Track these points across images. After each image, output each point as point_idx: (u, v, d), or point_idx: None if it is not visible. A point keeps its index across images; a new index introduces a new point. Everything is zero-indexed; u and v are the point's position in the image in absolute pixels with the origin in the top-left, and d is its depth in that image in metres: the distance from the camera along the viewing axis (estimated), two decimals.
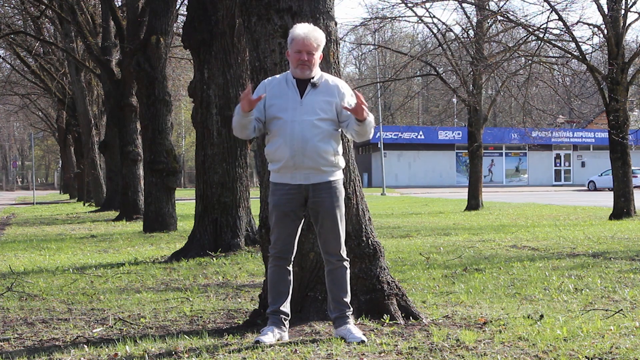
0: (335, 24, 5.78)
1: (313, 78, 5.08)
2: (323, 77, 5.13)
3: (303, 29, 5.03)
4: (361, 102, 4.92)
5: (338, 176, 5.16)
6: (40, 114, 47.70)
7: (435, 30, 22.29)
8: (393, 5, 21.39)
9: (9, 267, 10.00)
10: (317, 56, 5.07)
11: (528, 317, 5.67)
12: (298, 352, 4.71)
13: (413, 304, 5.79)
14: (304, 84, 5.08)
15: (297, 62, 5.02)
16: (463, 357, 4.56)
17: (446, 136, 52.75)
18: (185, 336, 5.25)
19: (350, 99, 5.10)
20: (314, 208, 5.09)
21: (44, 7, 26.84)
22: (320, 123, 5.02)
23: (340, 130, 5.17)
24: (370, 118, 5.03)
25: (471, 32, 22.42)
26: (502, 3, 21.50)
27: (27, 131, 64.27)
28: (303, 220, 5.21)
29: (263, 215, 5.66)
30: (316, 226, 5.16)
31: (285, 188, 5.09)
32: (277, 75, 5.23)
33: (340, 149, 5.17)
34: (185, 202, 29.51)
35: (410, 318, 5.60)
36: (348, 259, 5.22)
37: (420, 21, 22.83)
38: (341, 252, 5.14)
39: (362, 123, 4.99)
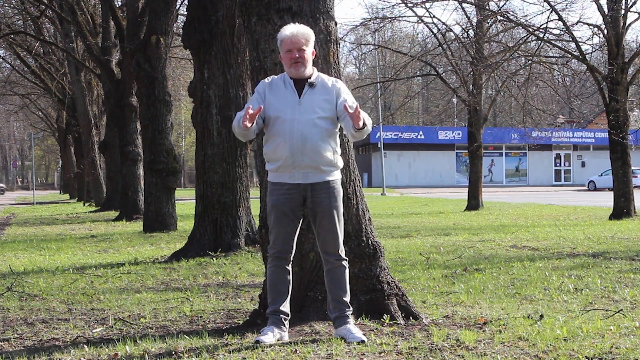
0: (335, 24, 5.78)
1: (310, 78, 5.09)
2: (320, 77, 5.14)
3: (289, 29, 5.08)
4: (358, 113, 4.89)
5: (336, 176, 5.17)
6: (40, 114, 47.72)
7: (435, 30, 22.31)
8: (393, 5, 21.44)
9: (9, 267, 10.00)
10: (309, 52, 5.07)
11: (528, 317, 5.67)
12: (298, 352, 4.71)
13: (413, 304, 5.79)
14: (301, 84, 5.08)
15: (290, 62, 5.04)
16: (463, 357, 4.56)
17: (446, 136, 52.76)
18: (185, 336, 5.25)
19: (347, 97, 5.09)
20: (312, 208, 5.10)
21: (44, 7, 26.84)
22: (320, 122, 5.02)
23: (339, 129, 5.18)
24: (369, 126, 5.03)
25: (471, 32, 22.43)
26: (502, 3, 21.52)
27: (27, 131, 64.30)
28: (302, 220, 5.21)
29: (263, 215, 5.65)
30: (315, 226, 5.16)
31: (284, 188, 5.09)
32: (275, 76, 5.23)
33: (338, 148, 5.17)
34: (185, 202, 29.52)
35: (410, 318, 5.60)
36: (347, 258, 5.22)
37: (420, 21, 22.85)
38: (340, 251, 5.15)
39: (359, 131, 4.99)
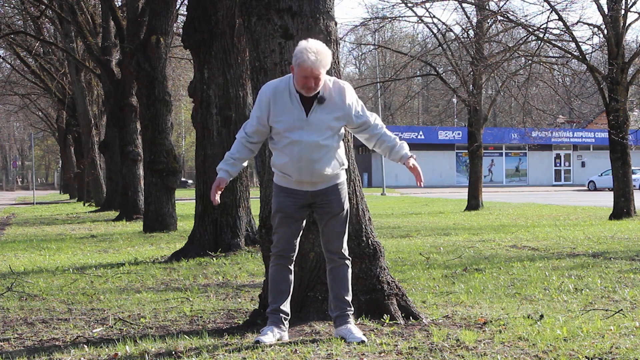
0: (335, 24, 5.77)
1: (318, 93, 4.92)
2: (327, 87, 4.94)
3: (311, 56, 4.76)
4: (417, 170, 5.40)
5: (343, 177, 5.17)
6: (40, 114, 47.71)
7: (435, 30, 22.31)
8: (393, 5, 21.44)
9: (9, 267, 10.00)
10: (324, 74, 4.88)
11: (528, 317, 5.67)
12: (298, 352, 4.71)
13: (413, 304, 5.79)
14: (308, 99, 4.91)
15: (303, 86, 4.85)
16: (463, 357, 4.56)
17: (446, 136, 52.76)
18: (185, 336, 5.25)
19: (355, 103, 5.03)
20: (321, 208, 5.08)
21: (44, 7, 26.85)
22: (327, 141, 4.94)
23: (344, 137, 5.17)
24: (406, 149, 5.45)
25: (471, 32, 22.43)
26: (502, 3, 21.50)
27: (27, 131, 64.31)
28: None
29: (263, 215, 5.65)
30: (320, 225, 5.14)
31: (292, 192, 5.07)
32: (278, 82, 5.00)
33: (345, 157, 5.14)
34: (185, 202, 29.51)
35: (410, 318, 5.60)
36: (350, 257, 5.22)
37: (420, 21, 22.84)
38: (343, 250, 5.15)
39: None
